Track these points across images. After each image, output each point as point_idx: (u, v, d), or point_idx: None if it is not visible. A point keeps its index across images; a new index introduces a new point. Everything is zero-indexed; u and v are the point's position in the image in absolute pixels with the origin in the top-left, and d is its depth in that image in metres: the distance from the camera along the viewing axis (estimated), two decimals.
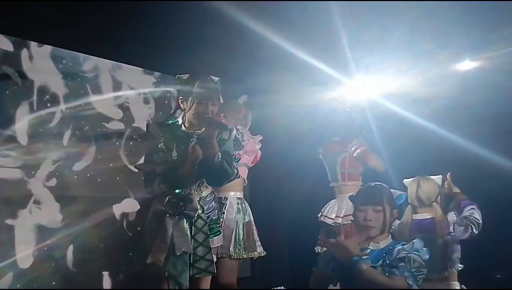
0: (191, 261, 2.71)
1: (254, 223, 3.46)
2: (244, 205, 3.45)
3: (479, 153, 3.89)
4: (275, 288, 4.00)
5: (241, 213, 3.40)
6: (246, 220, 3.41)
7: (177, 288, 2.67)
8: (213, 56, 3.65)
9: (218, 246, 2.95)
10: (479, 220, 3.10)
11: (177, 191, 2.69)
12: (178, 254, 2.64)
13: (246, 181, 3.56)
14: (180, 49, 3.67)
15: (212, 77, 2.78)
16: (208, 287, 2.87)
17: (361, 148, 3.95)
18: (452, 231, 2.98)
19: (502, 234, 3.87)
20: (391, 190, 2.77)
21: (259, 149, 3.57)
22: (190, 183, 2.74)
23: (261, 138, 3.57)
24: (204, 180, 2.78)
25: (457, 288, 3.10)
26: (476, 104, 3.96)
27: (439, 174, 3.30)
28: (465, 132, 3.99)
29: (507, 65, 3.77)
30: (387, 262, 2.53)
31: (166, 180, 2.67)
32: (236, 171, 2.77)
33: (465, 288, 3.08)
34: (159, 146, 2.71)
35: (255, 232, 3.46)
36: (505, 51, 3.69)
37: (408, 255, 2.49)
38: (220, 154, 2.67)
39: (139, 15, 3.39)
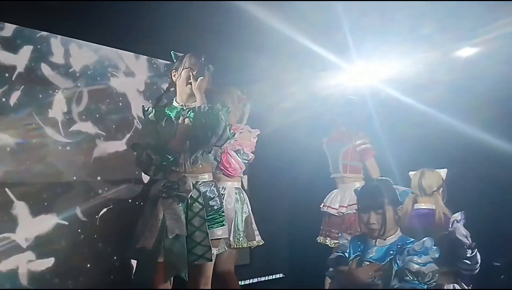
0: (188, 247, 2.60)
1: (252, 213, 3.45)
2: (242, 195, 3.43)
3: (481, 138, 3.86)
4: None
5: (240, 203, 3.39)
6: (245, 209, 3.40)
7: (175, 274, 2.58)
8: (211, 43, 3.60)
9: (222, 239, 2.78)
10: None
11: (169, 158, 2.62)
12: (170, 237, 2.56)
13: (243, 175, 3.53)
14: (178, 37, 3.62)
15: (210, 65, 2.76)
16: (210, 274, 2.78)
17: (365, 145, 3.89)
18: (450, 227, 2.92)
19: (501, 220, 3.88)
20: (395, 186, 2.72)
21: (255, 142, 3.49)
22: (183, 156, 2.66)
23: (259, 132, 3.51)
24: (200, 155, 2.69)
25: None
26: (478, 88, 3.91)
27: (443, 166, 3.25)
28: (466, 117, 3.95)
29: (507, 48, 3.71)
30: (398, 262, 2.48)
31: (156, 150, 2.61)
32: (229, 134, 2.64)
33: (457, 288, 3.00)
34: (149, 118, 2.72)
35: (253, 221, 3.45)
36: (505, 31, 3.63)
37: (422, 268, 2.42)
38: (206, 106, 2.59)
39: (139, 2, 3.34)
